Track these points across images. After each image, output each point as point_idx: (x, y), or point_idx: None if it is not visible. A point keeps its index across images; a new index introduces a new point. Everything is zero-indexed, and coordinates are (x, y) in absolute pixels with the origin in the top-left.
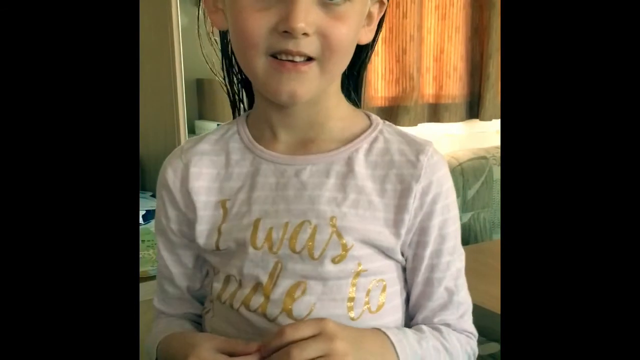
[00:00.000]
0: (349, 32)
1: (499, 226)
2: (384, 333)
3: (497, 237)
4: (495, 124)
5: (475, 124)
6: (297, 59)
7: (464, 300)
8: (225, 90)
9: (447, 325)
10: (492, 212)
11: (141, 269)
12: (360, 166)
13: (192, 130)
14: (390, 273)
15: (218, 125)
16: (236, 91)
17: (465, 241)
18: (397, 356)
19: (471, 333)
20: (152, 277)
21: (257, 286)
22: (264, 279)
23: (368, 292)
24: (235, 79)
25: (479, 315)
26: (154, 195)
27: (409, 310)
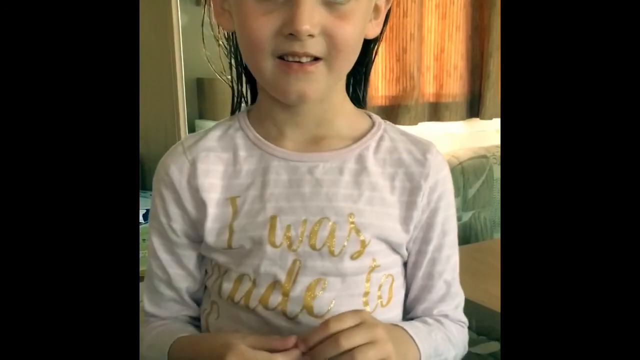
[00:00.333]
0: (354, 30)
1: (500, 225)
2: (402, 327)
3: (497, 236)
4: (496, 123)
5: (476, 122)
6: (304, 59)
7: (459, 291)
8: (231, 87)
9: (446, 316)
10: (492, 211)
11: (141, 268)
12: (371, 164)
13: (192, 130)
14: (397, 268)
15: None
16: (241, 89)
17: (466, 240)
18: (417, 348)
19: (464, 322)
20: None
21: (275, 284)
22: (282, 277)
23: (380, 287)
24: (243, 77)
25: (480, 314)
26: None
27: (407, 303)
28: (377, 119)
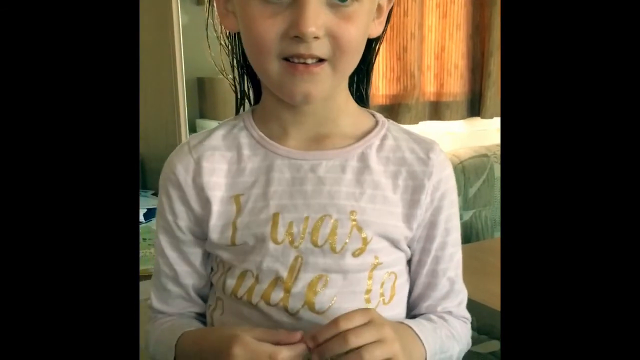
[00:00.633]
0: (358, 31)
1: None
2: (408, 326)
3: (498, 235)
4: (497, 122)
5: (477, 121)
6: (309, 61)
7: (462, 288)
8: (234, 89)
9: (449, 313)
10: (493, 210)
11: (142, 267)
12: (374, 162)
13: (192, 129)
14: (400, 265)
15: (219, 124)
16: (244, 89)
17: (466, 239)
18: (423, 345)
19: (467, 319)
20: None
21: (277, 281)
22: (284, 273)
23: (382, 284)
24: (245, 77)
25: (481, 313)
26: (155, 194)
27: (411, 300)
28: (381, 117)
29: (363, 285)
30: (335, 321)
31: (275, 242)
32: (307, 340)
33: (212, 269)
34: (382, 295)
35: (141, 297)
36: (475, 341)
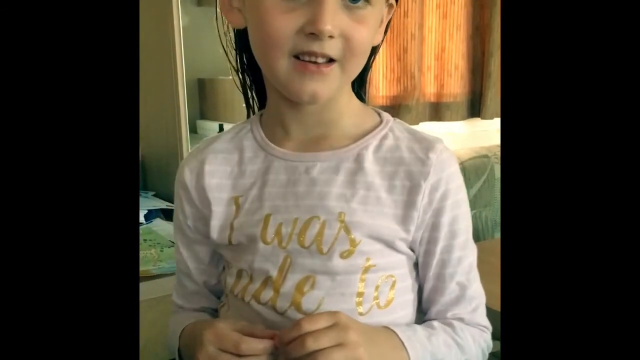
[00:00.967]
0: (369, 34)
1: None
2: (393, 331)
3: (498, 235)
4: (497, 123)
5: (477, 122)
6: (320, 60)
7: (477, 294)
8: (241, 91)
9: (461, 319)
10: (493, 211)
11: (143, 268)
12: (370, 162)
13: (193, 130)
14: (401, 269)
15: (219, 125)
16: (247, 89)
17: None
18: (407, 353)
19: (485, 327)
20: (155, 277)
21: (267, 280)
22: (274, 273)
23: (377, 288)
24: (247, 79)
25: None
26: (156, 195)
27: (422, 304)
28: (386, 117)
29: (354, 288)
30: (299, 323)
31: (265, 242)
32: (276, 338)
33: (223, 267)
34: (376, 298)
35: (142, 297)
36: None
